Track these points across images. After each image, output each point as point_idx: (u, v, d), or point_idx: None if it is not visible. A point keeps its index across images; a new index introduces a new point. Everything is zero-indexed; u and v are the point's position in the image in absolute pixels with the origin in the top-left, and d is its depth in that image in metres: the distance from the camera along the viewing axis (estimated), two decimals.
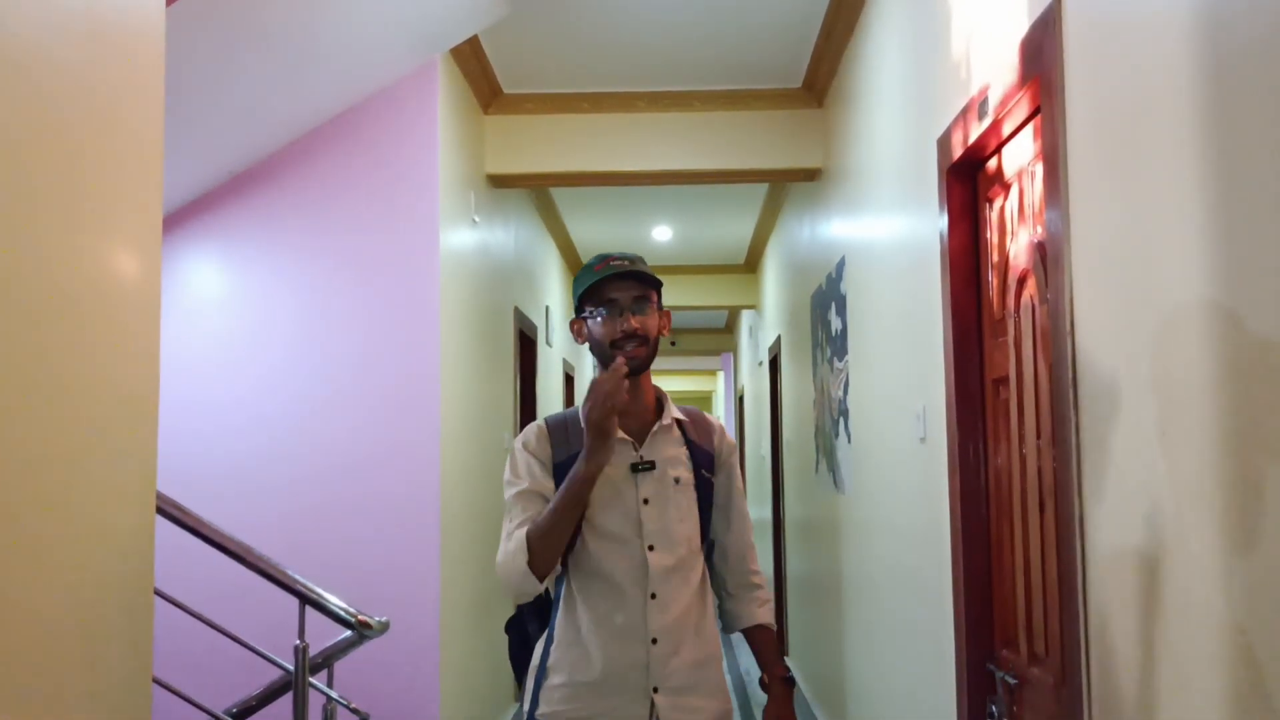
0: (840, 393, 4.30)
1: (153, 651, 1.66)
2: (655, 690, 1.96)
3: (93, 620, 1.49)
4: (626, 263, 2.02)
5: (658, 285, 2.07)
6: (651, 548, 1.99)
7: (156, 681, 2.22)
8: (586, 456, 1.88)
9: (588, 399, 1.88)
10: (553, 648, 2.01)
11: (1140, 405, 1.53)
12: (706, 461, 2.11)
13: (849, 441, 4.10)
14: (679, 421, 2.11)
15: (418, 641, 3.75)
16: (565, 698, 1.97)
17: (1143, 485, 1.52)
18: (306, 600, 2.79)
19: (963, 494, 2.45)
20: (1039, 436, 2.04)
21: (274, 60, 3.42)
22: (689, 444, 2.10)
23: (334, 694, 2.89)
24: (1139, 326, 1.53)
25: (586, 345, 2.09)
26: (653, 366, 2.09)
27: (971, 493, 2.44)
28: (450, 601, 3.96)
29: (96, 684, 1.50)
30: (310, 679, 2.78)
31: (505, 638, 2.15)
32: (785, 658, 2.08)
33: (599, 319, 2.01)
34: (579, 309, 2.06)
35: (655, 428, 2.06)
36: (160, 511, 2.64)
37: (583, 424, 1.92)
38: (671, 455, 2.06)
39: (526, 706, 2.02)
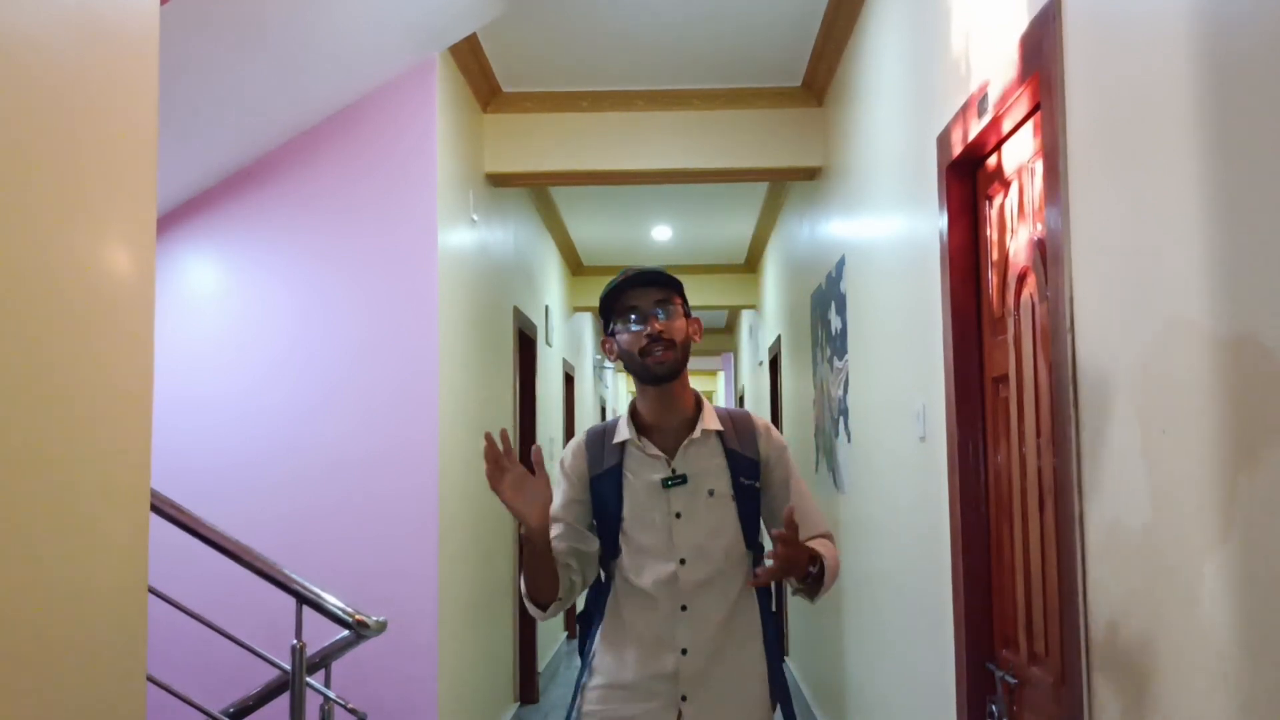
0: (840, 392, 4.29)
1: (147, 651, 1.65)
2: (684, 699, 1.97)
3: (86, 619, 1.48)
4: (644, 271, 2.00)
5: (678, 287, 2.02)
6: (683, 561, 1.98)
7: (153, 681, 2.21)
8: (526, 536, 1.86)
9: (519, 509, 1.83)
10: (596, 648, 2.05)
11: (1141, 403, 1.52)
12: (748, 469, 2.03)
13: (849, 441, 4.10)
14: (717, 432, 2.04)
15: (416, 641, 3.74)
16: (601, 698, 2.01)
17: (1143, 483, 1.51)
18: (304, 600, 2.78)
19: (962, 493, 2.44)
20: (1039, 435, 2.03)
21: (272, 58, 3.41)
22: (728, 453, 2.03)
23: (331, 694, 2.88)
24: (1139, 324, 1.52)
25: (622, 366, 2.04)
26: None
27: (971, 491, 2.43)
28: (448, 601, 3.95)
29: (90, 683, 1.49)
30: (308, 679, 2.77)
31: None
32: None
33: (624, 331, 1.98)
34: (606, 328, 2.04)
35: (686, 441, 2.02)
36: (157, 510, 2.63)
37: None
38: (706, 467, 2.01)
39: (571, 704, 2.08)
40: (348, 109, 3.96)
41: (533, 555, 1.88)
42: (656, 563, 1.98)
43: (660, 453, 2.02)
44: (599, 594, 2.09)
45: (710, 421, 2.03)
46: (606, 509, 2.02)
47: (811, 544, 1.94)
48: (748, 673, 2.01)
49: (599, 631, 2.05)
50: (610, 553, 2.03)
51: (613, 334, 2.03)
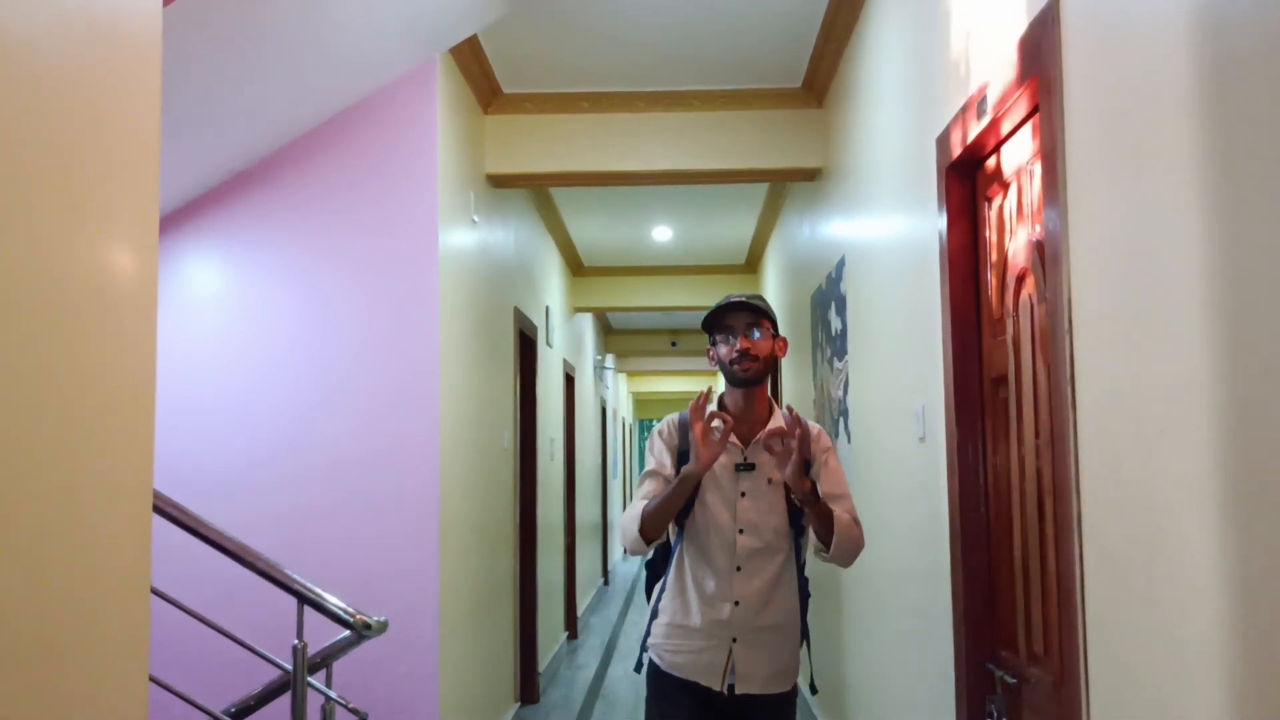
0: (840, 393, 4.29)
1: (149, 651, 1.66)
2: (734, 640, 2.49)
3: (89, 619, 1.48)
4: (743, 296, 2.53)
5: (770, 314, 2.54)
6: (741, 531, 2.50)
7: (154, 681, 2.21)
8: (691, 471, 2.39)
9: (700, 451, 2.37)
10: (664, 594, 2.59)
11: (1138, 404, 1.52)
12: (802, 465, 2.42)
13: (849, 441, 4.10)
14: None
15: (417, 641, 3.75)
16: (668, 634, 2.55)
17: (1141, 484, 1.52)
18: (305, 600, 2.78)
19: (962, 493, 2.45)
20: (1038, 435, 2.04)
21: (273, 60, 3.42)
22: None
23: (332, 694, 2.88)
24: (1137, 325, 1.52)
25: (718, 366, 2.58)
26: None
27: (971, 492, 2.44)
28: (449, 601, 3.96)
29: (93, 683, 1.49)
30: (309, 679, 2.77)
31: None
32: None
33: (723, 343, 2.53)
34: (710, 339, 2.59)
35: (759, 435, 2.50)
36: (158, 510, 2.64)
37: (692, 454, 2.40)
38: (769, 460, 2.46)
39: (643, 634, 2.63)
40: (349, 110, 3.97)
41: (681, 493, 2.41)
42: (722, 531, 2.50)
43: (739, 443, 2.52)
44: (665, 552, 2.63)
45: (777, 423, 2.52)
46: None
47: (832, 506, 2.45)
48: (786, 622, 2.53)
49: (667, 581, 2.58)
50: (684, 513, 2.52)
51: (714, 344, 2.57)
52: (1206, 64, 1.32)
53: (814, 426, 2.58)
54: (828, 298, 4.61)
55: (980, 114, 2.23)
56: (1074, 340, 1.75)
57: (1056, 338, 1.80)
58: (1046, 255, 1.88)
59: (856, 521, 2.53)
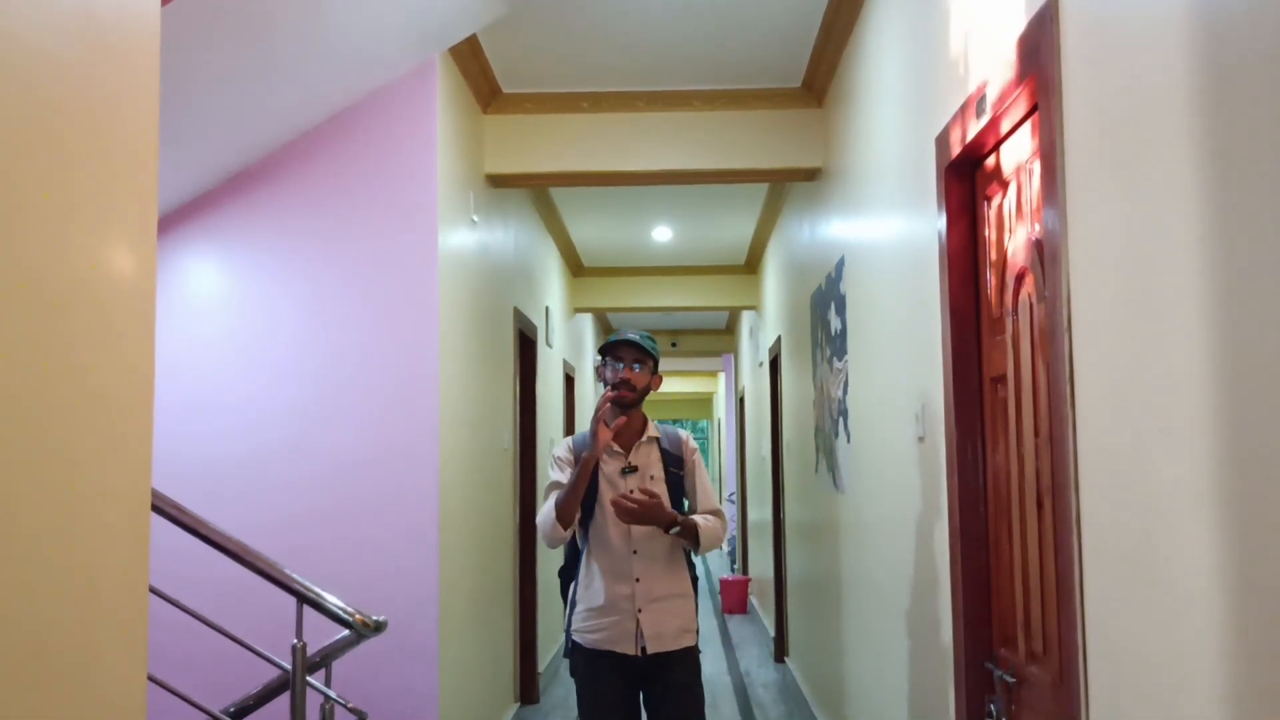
0: (840, 393, 4.29)
1: (148, 650, 1.66)
2: (640, 610, 3.05)
3: (87, 618, 1.48)
4: (636, 336, 3.12)
5: (654, 355, 3.13)
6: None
7: (154, 680, 2.21)
8: (587, 455, 3.00)
9: (593, 419, 3.00)
10: (578, 587, 3.13)
11: (1138, 403, 1.52)
12: (676, 463, 3.20)
13: (848, 441, 4.10)
14: (656, 439, 3.19)
15: (416, 641, 3.75)
16: (584, 616, 3.09)
17: (1140, 483, 1.52)
18: (304, 599, 2.78)
19: (961, 493, 2.45)
20: (1037, 435, 2.03)
21: (273, 59, 3.42)
22: (663, 452, 3.18)
23: (332, 693, 2.88)
24: (1137, 324, 1.52)
25: (604, 381, 3.17)
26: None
27: (970, 492, 2.43)
28: (449, 601, 3.96)
29: (90, 683, 1.49)
30: (308, 678, 2.78)
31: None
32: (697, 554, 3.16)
33: (610, 368, 3.11)
34: (602, 358, 3.15)
35: (636, 444, 3.16)
36: (159, 510, 2.64)
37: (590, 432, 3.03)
38: (648, 461, 3.16)
39: (565, 625, 3.15)
40: (349, 110, 3.97)
41: (584, 475, 2.98)
42: (619, 523, 3.04)
43: (622, 450, 3.14)
44: (574, 555, 3.18)
45: (651, 432, 3.19)
46: (588, 485, 3.06)
47: (695, 517, 3.11)
48: (680, 591, 3.11)
49: (579, 576, 3.12)
50: (587, 516, 3.09)
51: (604, 364, 3.15)
52: (1205, 62, 1.32)
53: (683, 433, 3.26)
54: (827, 298, 4.61)
55: (979, 113, 2.23)
56: (1073, 339, 1.75)
57: (1056, 336, 1.80)
58: (1045, 254, 1.88)
59: (719, 514, 3.17)
